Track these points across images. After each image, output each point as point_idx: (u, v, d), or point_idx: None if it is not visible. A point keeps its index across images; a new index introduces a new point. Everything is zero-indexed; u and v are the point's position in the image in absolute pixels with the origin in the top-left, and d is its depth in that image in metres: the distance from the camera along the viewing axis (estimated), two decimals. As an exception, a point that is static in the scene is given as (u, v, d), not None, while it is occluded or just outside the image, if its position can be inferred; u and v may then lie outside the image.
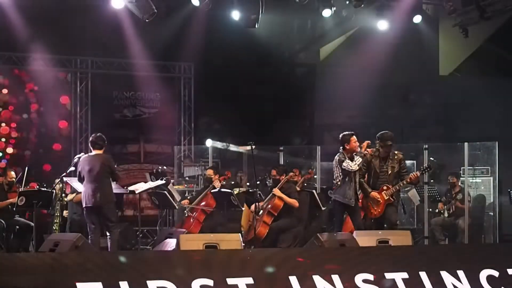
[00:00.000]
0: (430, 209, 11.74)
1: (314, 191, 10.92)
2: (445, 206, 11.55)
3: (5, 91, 13.61)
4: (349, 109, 15.26)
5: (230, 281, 5.73)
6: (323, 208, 10.66)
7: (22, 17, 12.22)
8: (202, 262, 5.97)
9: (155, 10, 11.01)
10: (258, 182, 10.59)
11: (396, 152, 9.08)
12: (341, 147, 8.80)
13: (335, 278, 6.02)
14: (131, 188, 10.34)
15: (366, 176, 9.03)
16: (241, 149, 13.35)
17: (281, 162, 12.30)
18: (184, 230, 9.70)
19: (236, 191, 11.01)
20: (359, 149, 8.75)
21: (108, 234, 8.88)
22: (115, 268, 5.59)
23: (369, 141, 8.84)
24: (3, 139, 13.50)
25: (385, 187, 8.91)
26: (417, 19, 12.38)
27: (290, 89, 15.57)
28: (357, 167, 8.62)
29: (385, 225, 8.97)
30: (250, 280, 5.78)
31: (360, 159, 8.64)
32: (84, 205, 8.83)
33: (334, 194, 8.89)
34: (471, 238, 11.25)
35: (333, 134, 15.03)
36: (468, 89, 14.27)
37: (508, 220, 12.55)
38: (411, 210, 12.33)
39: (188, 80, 14.94)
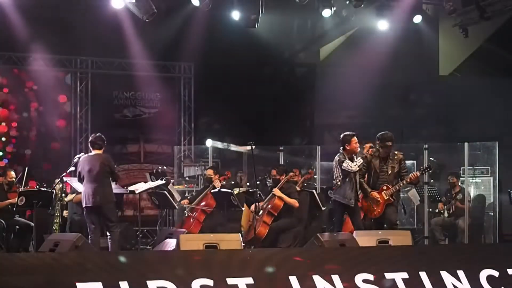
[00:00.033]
0: (430, 209, 11.74)
1: (314, 191, 10.92)
2: (445, 206, 11.55)
3: (5, 90, 13.60)
4: (349, 109, 15.26)
5: (230, 281, 5.73)
6: (323, 208, 10.65)
7: (22, 17, 12.22)
8: (202, 262, 5.96)
9: (155, 10, 11.02)
10: (258, 182, 10.59)
11: (396, 152, 9.08)
12: (341, 148, 8.80)
13: (335, 278, 6.02)
14: (131, 188, 10.35)
15: (366, 176, 9.03)
16: (241, 149, 13.35)
17: (281, 162, 12.29)
18: (184, 230, 9.70)
19: (236, 191, 11.01)
20: (359, 150, 8.76)
21: (108, 234, 8.88)
22: (115, 268, 5.58)
23: (371, 145, 8.82)
24: (4, 138, 13.50)
25: (385, 187, 8.92)
26: (417, 19, 12.38)
27: (290, 89, 15.57)
28: (357, 168, 8.62)
29: (385, 225, 8.97)
30: (250, 280, 5.78)
31: (361, 160, 8.64)
32: (84, 205, 8.83)
33: (334, 194, 8.89)
34: (471, 238, 11.25)
35: (333, 134, 15.05)
36: (468, 89, 14.27)
37: (508, 220, 12.55)
38: (411, 210, 12.33)
39: (188, 80, 14.94)
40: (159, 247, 9.01)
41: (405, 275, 6.27)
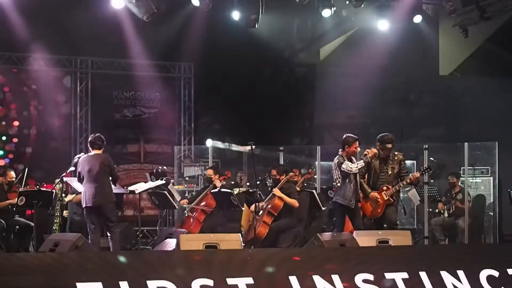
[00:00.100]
0: (430, 209, 11.74)
1: (314, 191, 10.91)
2: (445, 206, 11.56)
3: (6, 89, 13.61)
4: (349, 109, 15.26)
5: (230, 281, 5.73)
6: (323, 208, 10.65)
7: (22, 17, 12.22)
8: (202, 262, 5.96)
9: (155, 10, 11.02)
10: (258, 182, 10.59)
11: (396, 153, 9.08)
12: (340, 149, 8.80)
13: (335, 278, 6.02)
14: (131, 188, 10.35)
15: (366, 176, 9.03)
16: (242, 149, 13.35)
17: (281, 162, 12.29)
18: (184, 230, 9.70)
19: (236, 191, 11.01)
20: (358, 150, 8.77)
21: (109, 234, 8.88)
22: (115, 268, 5.59)
23: (376, 152, 8.80)
24: (4, 138, 13.51)
25: (385, 188, 8.91)
26: (417, 19, 12.38)
27: (290, 89, 15.57)
28: (357, 170, 8.61)
29: (385, 225, 8.97)
30: (250, 280, 5.78)
31: (363, 164, 8.62)
32: (84, 205, 8.83)
33: (335, 196, 8.89)
34: (471, 238, 11.25)
35: (333, 134, 15.07)
36: (468, 89, 14.27)
37: (508, 220, 12.55)
38: (411, 210, 12.33)
39: (188, 80, 14.94)
40: (159, 247, 9.01)
41: (405, 275, 6.27)
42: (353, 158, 8.74)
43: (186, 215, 10.69)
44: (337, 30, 14.51)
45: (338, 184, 8.76)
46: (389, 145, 8.94)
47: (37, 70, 13.67)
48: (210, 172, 10.81)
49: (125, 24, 12.49)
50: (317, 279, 5.97)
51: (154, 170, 12.80)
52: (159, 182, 10.72)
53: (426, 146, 11.41)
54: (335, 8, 11.99)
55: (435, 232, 11.41)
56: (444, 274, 6.38)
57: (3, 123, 13.55)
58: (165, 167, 13.38)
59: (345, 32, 14.85)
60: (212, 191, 10.23)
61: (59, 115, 14.02)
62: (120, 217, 10.62)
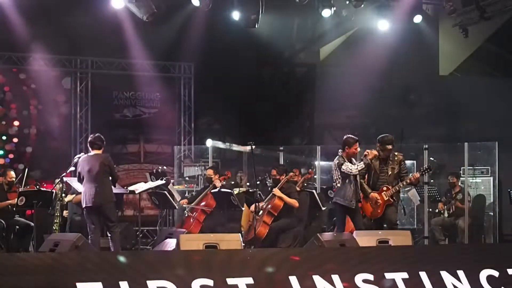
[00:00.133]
0: (430, 209, 11.74)
1: (314, 191, 10.91)
2: (445, 206, 11.56)
3: (6, 88, 13.61)
4: (349, 109, 15.26)
5: (230, 281, 5.73)
6: (323, 208, 10.65)
7: (22, 17, 12.22)
8: (202, 262, 5.96)
9: (155, 10, 11.02)
10: (258, 182, 10.59)
11: (396, 153, 9.08)
12: (340, 150, 8.80)
13: (335, 278, 6.02)
14: (131, 188, 10.35)
15: (366, 177, 9.03)
16: (243, 148, 13.35)
17: (281, 162, 12.29)
18: (184, 230, 9.70)
19: (236, 191, 11.01)
20: (358, 151, 8.77)
21: (109, 234, 8.88)
22: (115, 268, 5.58)
23: (376, 154, 8.80)
24: (4, 137, 13.51)
25: (385, 188, 8.91)
26: (417, 19, 12.37)
27: (290, 89, 15.57)
28: (357, 171, 8.60)
29: (385, 225, 8.97)
30: (250, 280, 5.78)
31: (363, 165, 8.61)
32: (84, 205, 8.83)
33: (335, 196, 8.88)
34: (471, 238, 11.25)
35: (333, 134, 15.08)
36: (468, 89, 14.27)
37: (508, 220, 12.55)
38: (411, 210, 12.33)
39: (188, 80, 14.94)
40: (159, 247, 9.00)
41: (405, 275, 6.26)
42: (353, 159, 8.74)
43: (186, 215, 10.69)
44: (337, 30, 14.51)
45: (338, 185, 8.76)
46: (389, 146, 8.93)
47: (37, 70, 13.67)
48: (210, 172, 10.81)
49: (125, 24, 12.48)
50: (317, 279, 5.96)
51: (154, 170, 12.80)
52: (159, 182, 10.72)
53: (426, 146, 11.41)
54: (335, 8, 11.98)
55: (435, 232, 11.41)
56: (444, 274, 6.37)
57: (3, 122, 13.55)
58: (165, 167, 13.38)
59: (345, 32, 14.86)
60: (212, 191, 10.23)
61: (59, 115, 14.02)
62: (120, 217, 10.63)
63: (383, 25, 12.53)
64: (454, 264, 6.51)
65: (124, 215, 12.61)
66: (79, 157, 9.16)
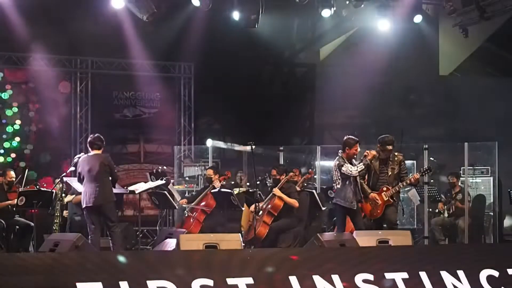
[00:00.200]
0: (430, 209, 11.73)
1: (314, 191, 10.91)
2: (445, 206, 11.55)
3: (7, 87, 13.62)
4: (349, 109, 15.26)
5: (230, 281, 5.72)
6: (323, 208, 10.65)
7: (22, 17, 12.22)
8: (202, 262, 5.96)
9: (155, 10, 11.02)
10: (258, 182, 10.58)
11: (396, 153, 9.08)
12: (340, 150, 8.80)
13: (335, 278, 6.02)
14: (131, 188, 10.36)
15: (366, 177, 9.03)
16: (244, 148, 13.35)
17: (281, 162, 12.29)
18: (184, 230, 9.71)
19: (236, 191, 11.01)
20: (358, 152, 8.78)
21: (110, 234, 8.87)
22: (115, 268, 5.58)
23: (375, 154, 8.81)
24: (4, 136, 13.52)
25: (385, 188, 8.91)
26: (418, 19, 12.37)
27: (290, 89, 15.57)
28: (357, 174, 8.61)
29: (384, 225, 8.97)
30: (250, 280, 5.77)
31: (363, 167, 8.61)
32: (84, 205, 8.82)
33: (335, 197, 8.88)
34: (471, 238, 11.25)
35: (333, 134, 15.08)
36: (468, 89, 14.27)
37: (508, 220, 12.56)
38: (411, 210, 12.33)
39: (188, 80, 14.94)
40: (159, 247, 9.01)
41: (405, 275, 6.26)
42: (353, 160, 8.74)
43: (186, 215, 10.69)
44: (337, 30, 14.52)
45: (338, 186, 8.76)
46: (389, 147, 8.93)
47: (37, 70, 13.67)
48: (210, 172, 10.81)
49: (125, 24, 12.49)
50: (317, 279, 5.96)
51: (154, 170, 12.80)
52: (159, 182, 10.72)
53: (426, 146, 11.40)
54: (335, 8, 11.99)
55: (435, 232, 11.40)
56: (444, 274, 6.37)
57: (4, 121, 13.55)
58: (165, 167, 13.38)
59: (345, 32, 14.86)
60: (212, 191, 10.23)
61: (59, 115, 14.01)
62: (120, 217, 10.63)
63: (383, 25, 12.53)
64: (454, 264, 6.50)
65: (124, 215, 12.61)
66: (79, 157, 9.17)
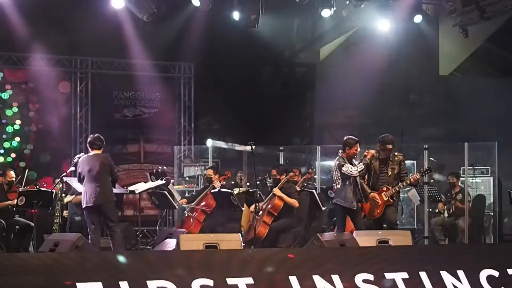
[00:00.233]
0: (430, 209, 11.73)
1: (314, 191, 10.91)
2: (445, 206, 11.55)
3: (8, 86, 13.63)
4: (349, 109, 15.26)
5: (230, 281, 5.72)
6: (323, 208, 10.65)
7: (22, 17, 12.22)
8: (202, 262, 5.96)
9: (155, 10, 11.02)
10: (258, 182, 10.59)
11: (396, 153, 9.08)
12: (340, 150, 8.80)
13: (335, 278, 6.01)
14: (131, 188, 10.35)
15: (365, 177, 9.03)
16: (245, 148, 13.35)
17: (281, 162, 12.29)
18: (184, 230, 9.71)
19: (236, 191, 11.01)
20: (358, 152, 8.78)
21: (110, 235, 8.87)
22: (115, 268, 5.58)
23: (374, 154, 8.82)
24: (4, 136, 13.53)
25: (384, 188, 8.91)
26: (418, 19, 12.37)
27: (290, 89, 15.57)
28: (358, 174, 8.61)
29: (385, 225, 8.97)
30: (250, 280, 5.77)
31: (363, 167, 8.62)
32: (84, 205, 8.81)
33: (335, 197, 8.89)
34: (471, 238, 11.24)
35: (333, 134, 15.08)
36: (468, 89, 14.27)
37: (508, 220, 12.55)
38: (411, 210, 12.33)
39: (188, 80, 14.94)
40: (159, 247, 9.00)
41: (405, 275, 6.26)
42: (354, 160, 8.74)
43: (186, 215, 10.69)
44: (337, 30, 14.52)
45: (338, 186, 8.76)
46: (390, 146, 8.93)
47: (37, 70, 13.67)
48: (210, 172, 10.81)
49: (125, 24, 12.49)
50: (317, 279, 5.96)
51: (154, 170, 12.80)
52: (159, 182, 10.72)
53: (426, 146, 11.39)
54: (335, 8, 11.99)
55: (435, 232, 11.40)
56: (444, 274, 6.37)
57: (4, 121, 13.56)
58: (165, 167, 13.38)
59: (345, 32, 14.86)
60: (212, 191, 10.23)
61: (59, 115, 14.01)
62: (120, 217, 10.62)
63: (383, 25, 12.54)
64: (454, 264, 6.50)
65: (124, 215, 12.60)
66: (79, 157, 9.16)
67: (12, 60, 13.54)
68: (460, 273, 6.41)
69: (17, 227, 10.34)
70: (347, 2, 12.14)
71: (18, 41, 12.72)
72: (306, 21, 15.07)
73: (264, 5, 11.17)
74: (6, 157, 13.39)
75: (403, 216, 11.28)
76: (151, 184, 10.48)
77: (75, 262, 5.56)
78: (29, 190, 10.07)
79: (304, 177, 10.90)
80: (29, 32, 12.53)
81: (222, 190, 10.09)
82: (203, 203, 10.37)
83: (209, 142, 13.22)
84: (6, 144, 13.46)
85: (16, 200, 9.77)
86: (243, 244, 8.20)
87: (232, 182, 12.16)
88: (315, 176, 12.22)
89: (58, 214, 10.51)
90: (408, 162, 10.72)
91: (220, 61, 13.93)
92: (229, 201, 9.84)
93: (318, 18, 12.98)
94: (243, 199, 10.34)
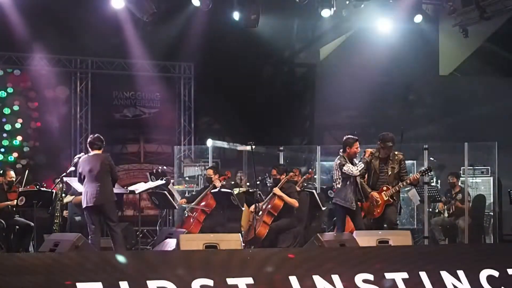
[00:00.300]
0: (430, 209, 11.73)
1: (314, 191, 10.91)
2: (445, 206, 11.55)
3: (8, 86, 13.62)
4: (349, 109, 15.26)
5: (230, 281, 5.72)
6: (323, 208, 10.65)
7: (22, 17, 12.23)
8: (202, 262, 5.96)
9: (155, 10, 11.02)
10: (258, 182, 10.59)
11: (396, 152, 9.08)
12: (341, 150, 8.80)
13: (335, 278, 6.01)
14: (131, 188, 10.35)
15: (365, 176, 9.03)
16: (246, 148, 13.35)
17: (281, 162, 12.29)
18: (184, 230, 9.70)
19: (236, 191, 11.01)
20: (359, 153, 8.78)
21: (111, 235, 8.87)
22: (115, 268, 5.58)
23: (372, 151, 8.83)
24: (5, 135, 13.53)
25: (385, 188, 8.91)
26: (418, 19, 12.38)
27: (290, 89, 15.58)
28: (359, 173, 8.62)
29: (385, 225, 8.97)
30: (250, 280, 5.77)
31: (363, 166, 8.63)
32: (84, 205, 8.80)
33: (335, 197, 8.89)
34: (471, 238, 11.24)
35: (333, 134, 15.08)
36: (468, 89, 14.27)
37: (508, 220, 12.55)
38: (411, 210, 12.33)
39: (188, 80, 14.95)
40: (159, 247, 9.00)
41: (405, 275, 6.26)
42: (355, 160, 8.74)
43: (186, 215, 10.69)
44: (337, 30, 14.53)
45: (338, 186, 8.76)
46: (390, 144, 8.94)
47: (37, 70, 13.68)
48: (210, 172, 10.81)
49: (125, 24, 12.51)
50: (317, 279, 5.96)
51: (154, 170, 12.80)
52: (159, 182, 10.71)
53: (426, 146, 11.39)
54: (335, 8, 12.00)
55: (435, 232, 11.40)
56: (444, 274, 6.37)
57: (4, 120, 13.56)
58: (165, 167, 13.38)
59: (345, 32, 14.86)
60: (212, 191, 10.23)
61: (59, 115, 14.02)
62: (120, 217, 10.60)
63: (383, 25, 12.54)
64: (454, 264, 6.50)
65: (124, 215, 12.61)
66: (79, 157, 9.16)
67: (12, 60, 13.55)
68: (460, 273, 6.41)
69: (17, 227, 10.33)
70: (347, 2, 12.15)
71: (18, 41, 12.73)
72: (306, 21, 15.06)
73: (264, 5, 11.18)
74: (7, 156, 13.41)
75: (400, 215, 11.27)
76: (151, 184, 10.47)
77: (75, 262, 5.56)
78: (29, 190, 10.06)
79: (304, 177, 10.90)
80: (29, 32, 12.54)
81: (222, 190, 10.09)
82: (203, 203, 10.37)
83: (209, 142, 13.22)
84: (5, 142, 13.48)
85: (16, 200, 9.77)
86: (243, 244, 8.20)
87: (232, 182, 12.16)
88: (315, 176, 12.22)
89: (58, 214, 10.51)
90: (408, 162, 10.71)
91: (220, 61, 13.93)
92: (229, 201, 9.84)
93: (318, 18, 12.98)
94: (243, 199, 10.34)
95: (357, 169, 8.60)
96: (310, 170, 11.85)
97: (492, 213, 11.86)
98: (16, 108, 13.68)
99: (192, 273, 5.68)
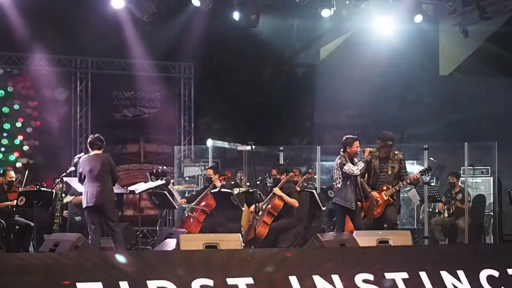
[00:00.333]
0: (430, 209, 11.73)
1: (314, 191, 10.91)
2: (445, 206, 11.55)
3: (9, 84, 13.62)
4: (349, 109, 15.26)
5: (230, 281, 5.72)
6: (323, 208, 10.65)
7: (22, 17, 12.23)
8: (202, 262, 5.96)
9: (155, 10, 11.02)
10: (258, 182, 10.58)
11: (396, 152, 9.09)
12: (341, 150, 8.81)
13: (335, 278, 6.02)
14: (131, 188, 10.35)
15: (365, 176, 9.03)
16: (246, 148, 13.34)
17: (281, 162, 12.29)
18: (184, 230, 9.70)
19: (236, 191, 11.01)
20: (359, 152, 8.78)
21: (111, 235, 8.86)
22: (115, 268, 5.58)
23: (371, 150, 8.84)
24: (5, 134, 13.53)
25: (385, 188, 8.92)
26: (418, 19, 12.37)
27: (290, 89, 15.57)
28: (359, 172, 8.62)
29: (385, 225, 8.97)
30: (250, 280, 5.77)
31: (363, 164, 8.64)
32: (85, 205, 8.80)
33: (335, 197, 8.89)
34: (471, 238, 11.24)
35: (333, 134, 15.07)
36: (468, 89, 14.27)
37: (508, 220, 12.55)
38: (411, 210, 12.32)
39: (188, 80, 14.94)
40: (159, 247, 9.01)
41: (405, 275, 6.26)
42: (355, 160, 8.75)
43: (186, 215, 10.69)
44: (337, 30, 14.52)
45: (338, 185, 8.76)
46: (390, 142, 8.95)
47: (37, 70, 13.68)
48: (210, 172, 10.81)
49: (125, 24, 12.50)
50: (317, 279, 5.96)
51: (154, 170, 12.80)
52: (159, 182, 10.71)
53: (426, 146, 11.39)
54: (335, 8, 12.00)
55: (435, 232, 11.40)
56: (444, 274, 6.37)
57: (4, 119, 13.57)
58: (165, 167, 13.38)
59: (345, 32, 14.86)
60: (212, 191, 10.23)
61: (59, 115, 14.01)
62: (120, 217, 10.60)
63: (383, 25, 12.53)
64: (454, 264, 6.50)
65: (124, 215, 12.60)
66: (79, 157, 9.16)
67: (12, 60, 13.55)
68: (460, 273, 6.41)
69: (17, 227, 10.33)
70: (347, 2, 12.14)
71: (18, 41, 12.73)
72: (306, 21, 15.05)
73: (264, 5, 11.18)
74: (7, 156, 13.42)
75: (399, 215, 11.28)
76: (151, 184, 10.47)
77: (75, 262, 5.56)
78: (29, 190, 10.06)
79: (304, 177, 10.90)
80: (29, 32, 12.54)
81: (222, 190, 10.09)
82: (203, 203, 10.37)
83: (209, 142, 13.22)
84: (4, 141, 13.48)
85: (16, 200, 9.77)
86: (243, 244, 8.20)
87: (232, 182, 12.15)
88: (315, 176, 12.21)
89: (58, 214, 10.51)
90: (408, 162, 10.71)
91: (220, 61, 13.94)
92: (229, 201, 9.84)
93: (318, 18, 12.98)
94: (243, 199, 10.34)
95: (358, 169, 8.61)
96: (310, 170, 11.84)
97: (492, 213, 11.86)
98: (16, 107, 13.67)
99: (192, 273, 5.68)
